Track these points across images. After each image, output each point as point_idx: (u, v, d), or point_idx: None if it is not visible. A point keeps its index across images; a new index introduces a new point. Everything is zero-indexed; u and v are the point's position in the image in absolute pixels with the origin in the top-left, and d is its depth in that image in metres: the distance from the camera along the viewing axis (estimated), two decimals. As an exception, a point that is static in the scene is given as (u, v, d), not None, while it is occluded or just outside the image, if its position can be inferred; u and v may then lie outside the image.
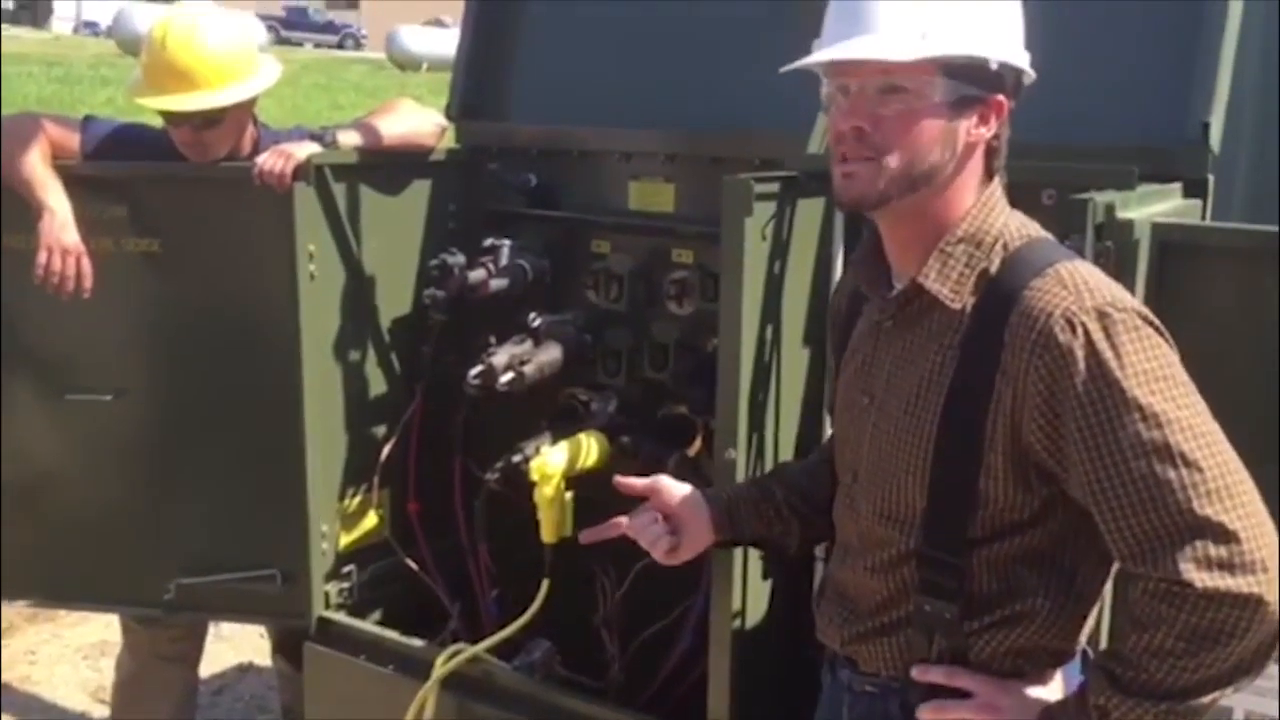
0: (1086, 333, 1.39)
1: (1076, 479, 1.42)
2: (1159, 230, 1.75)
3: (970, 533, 1.50)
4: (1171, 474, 1.35)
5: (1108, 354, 1.38)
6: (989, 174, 1.55)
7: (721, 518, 1.85)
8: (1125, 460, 1.36)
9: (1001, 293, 1.47)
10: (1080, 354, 1.39)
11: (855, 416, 1.65)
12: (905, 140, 1.46)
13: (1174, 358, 1.42)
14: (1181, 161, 2.06)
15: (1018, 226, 1.53)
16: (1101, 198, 1.73)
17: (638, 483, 1.88)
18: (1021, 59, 1.52)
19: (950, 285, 1.50)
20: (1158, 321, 1.44)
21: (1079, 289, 1.42)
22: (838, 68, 1.50)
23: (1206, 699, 1.36)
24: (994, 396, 1.45)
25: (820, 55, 1.50)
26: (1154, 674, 1.36)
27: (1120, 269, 1.67)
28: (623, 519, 1.88)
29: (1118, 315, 1.40)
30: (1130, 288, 1.61)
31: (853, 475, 1.66)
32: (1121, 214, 1.73)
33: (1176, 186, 2.03)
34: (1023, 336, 1.42)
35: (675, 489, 1.86)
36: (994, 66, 1.47)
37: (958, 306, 1.50)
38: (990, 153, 1.54)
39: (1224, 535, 1.34)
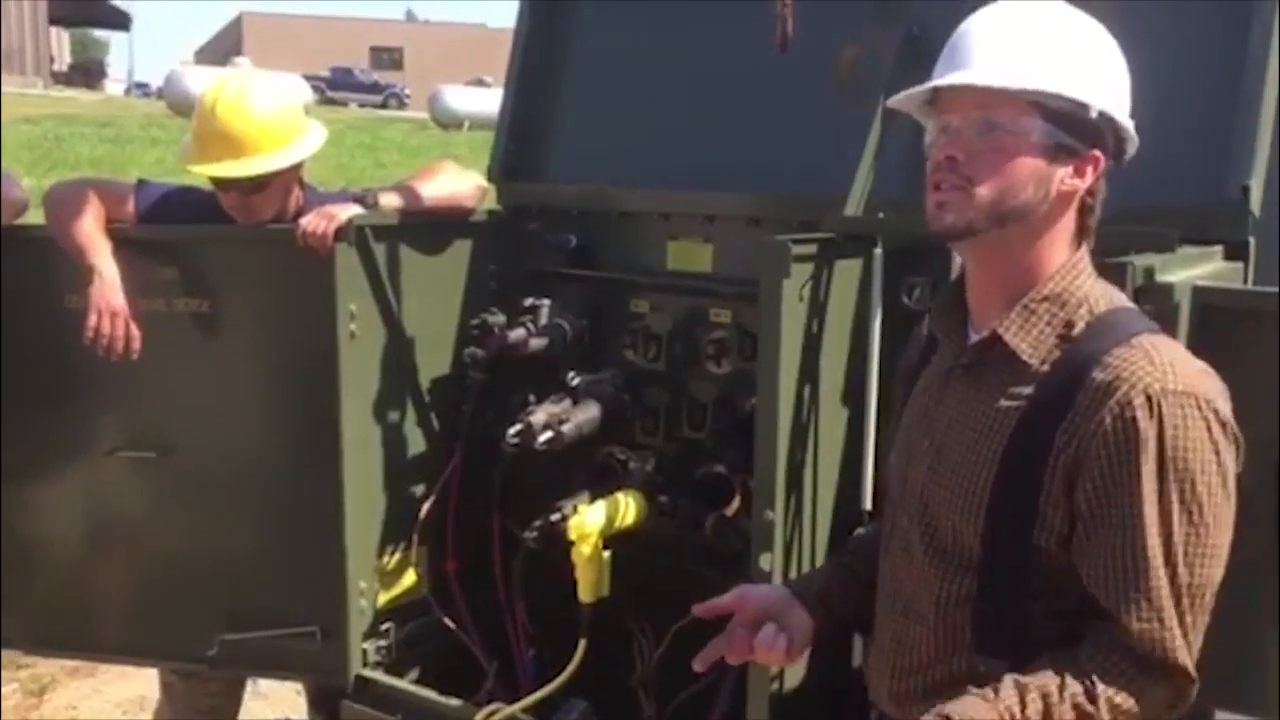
0: (1161, 417, 1.40)
1: (1085, 529, 1.46)
2: (1200, 294, 1.74)
3: (1026, 586, 1.50)
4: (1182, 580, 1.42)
5: (1176, 443, 1.41)
6: (1081, 232, 1.56)
7: (815, 608, 1.77)
8: (1144, 540, 1.42)
9: (1081, 355, 1.48)
10: (1153, 437, 1.40)
11: (913, 459, 1.65)
12: (997, 173, 1.48)
13: (1228, 464, 1.44)
14: (1222, 224, 2.05)
15: (1103, 293, 1.55)
16: (1141, 261, 1.73)
17: (723, 600, 1.78)
18: (1123, 116, 1.54)
19: (1030, 341, 1.52)
20: (1228, 415, 1.45)
21: (1165, 368, 1.43)
22: (940, 107, 1.54)
23: None
24: (1054, 450, 1.45)
25: (922, 86, 1.55)
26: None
27: (1161, 333, 1.66)
28: (721, 645, 1.76)
29: (1193, 406, 1.42)
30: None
31: (908, 518, 1.65)
32: (1162, 277, 1.72)
33: (1217, 249, 2.02)
34: (1098, 400, 1.43)
35: (762, 595, 1.79)
36: (1093, 115, 1.49)
37: (1034, 364, 1.51)
38: (1084, 210, 1.55)
39: (1174, 669, 1.42)
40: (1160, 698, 1.44)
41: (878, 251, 2.22)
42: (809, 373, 2.16)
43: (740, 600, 1.76)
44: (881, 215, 2.31)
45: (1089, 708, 1.41)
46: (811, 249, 2.13)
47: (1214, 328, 1.74)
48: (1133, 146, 1.57)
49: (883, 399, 2.20)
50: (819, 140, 2.52)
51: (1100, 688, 1.41)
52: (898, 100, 1.61)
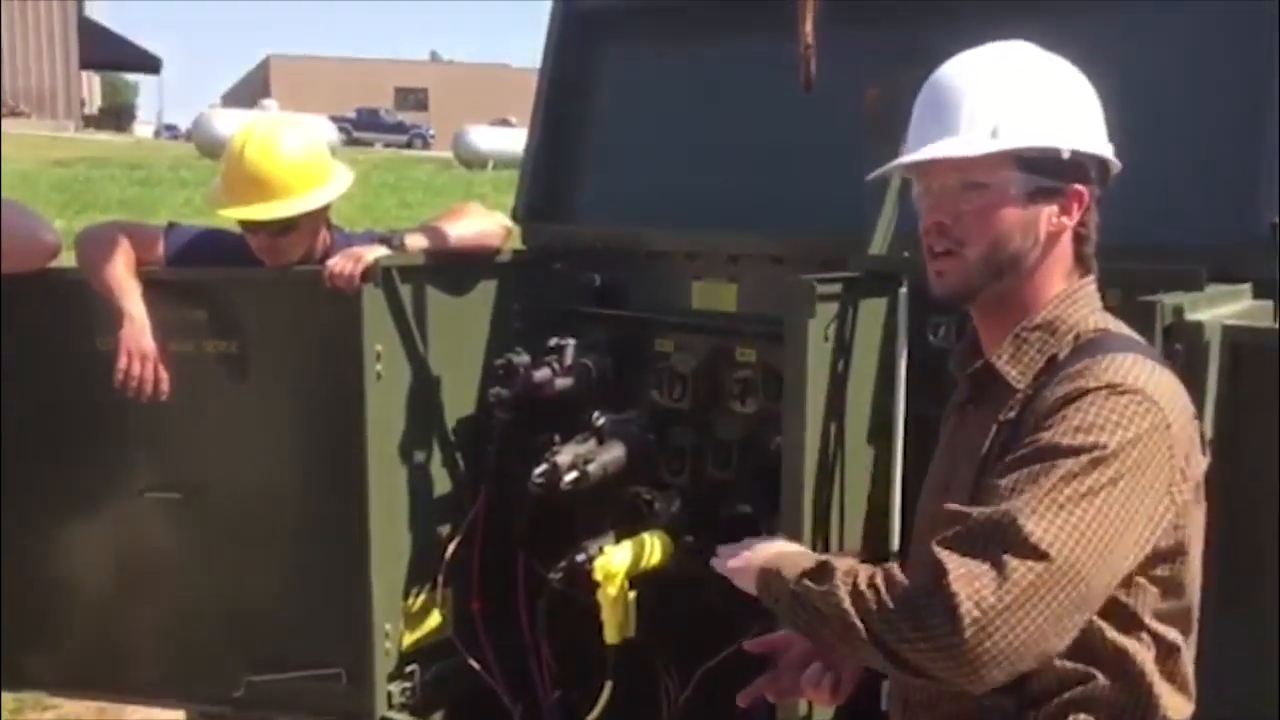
0: (1086, 400, 1.38)
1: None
2: (1230, 333, 1.73)
3: None
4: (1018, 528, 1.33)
5: (1094, 417, 1.37)
6: (1079, 261, 1.57)
7: None
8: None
9: (1055, 373, 1.48)
10: (1070, 410, 1.38)
11: (929, 494, 1.66)
12: (984, 231, 1.51)
13: (1145, 478, 1.37)
14: (1250, 261, 2.04)
15: (1096, 320, 1.54)
16: (1170, 299, 1.72)
17: (775, 636, 1.77)
18: (1100, 146, 1.55)
19: (1019, 368, 1.53)
20: (1174, 421, 1.40)
21: (1114, 369, 1.42)
22: (920, 170, 1.57)
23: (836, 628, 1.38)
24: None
25: (898, 161, 1.58)
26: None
27: (1190, 372, 1.65)
28: (767, 682, 1.74)
29: (1134, 400, 1.38)
30: (1201, 391, 1.59)
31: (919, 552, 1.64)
32: (1190, 316, 1.72)
33: (1246, 287, 2.01)
34: (1045, 399, 1.43)
35: None
36: (1065, 156, 1.50)
37: (1021, 387, 1.52)
38: (1078, 240, 1.56)
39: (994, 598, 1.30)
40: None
41: (903, 290, 2.22)
42: (835, 412, 2.16)
43: (790, 637, 1.75)
44: (906, 254, 2.31)
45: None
46: (836, 288, 2.13)
47: (1244, 366, 1.73)
48: (1115, 168, 1.58)
49: (909, 438, 2.19)
50: (843, 179, 2.52)
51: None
52: (878, 174, 1.65)
